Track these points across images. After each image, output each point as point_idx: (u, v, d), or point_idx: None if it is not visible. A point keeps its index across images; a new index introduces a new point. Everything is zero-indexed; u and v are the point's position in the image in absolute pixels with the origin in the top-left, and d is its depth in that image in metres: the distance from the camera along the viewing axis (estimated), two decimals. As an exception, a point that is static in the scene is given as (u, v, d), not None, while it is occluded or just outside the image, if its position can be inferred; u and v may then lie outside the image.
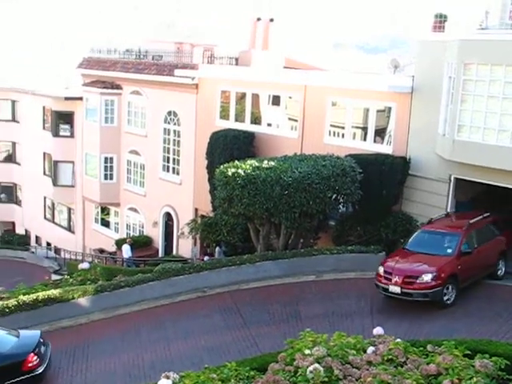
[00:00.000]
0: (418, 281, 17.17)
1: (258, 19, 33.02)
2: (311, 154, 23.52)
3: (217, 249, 27.88)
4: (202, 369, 12.17)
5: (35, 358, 15.37)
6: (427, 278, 17.08)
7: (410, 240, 19.24)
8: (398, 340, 11.56)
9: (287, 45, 36.67)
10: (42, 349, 16.13)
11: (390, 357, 10.82)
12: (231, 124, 29.48)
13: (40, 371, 15.32)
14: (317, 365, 10.31)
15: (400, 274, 17.42)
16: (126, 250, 32.12)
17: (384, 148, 24.00)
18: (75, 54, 44.10)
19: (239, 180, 20.94)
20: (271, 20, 33.39)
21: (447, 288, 17.28)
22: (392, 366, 10.47)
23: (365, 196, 22.38)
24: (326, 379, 10.14)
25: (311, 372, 10.18)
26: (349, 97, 24.95)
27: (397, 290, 17.39)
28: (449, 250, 18.04)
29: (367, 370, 10.33)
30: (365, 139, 24.86)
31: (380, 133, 24.58)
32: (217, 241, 27.94)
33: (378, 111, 24.52)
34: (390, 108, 23.93)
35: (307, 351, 11.03)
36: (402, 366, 10.45)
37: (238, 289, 20.78)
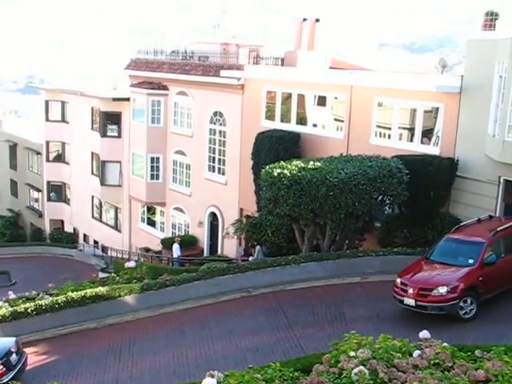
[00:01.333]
0: (432, 293, 16.45)
1: (304, 19, 32.91)
2: (357, 154, 23.34)
3: (257, 248, 28.00)
4: (246, 368, 12.20)
5: (0, 366, 15.52)
6: (442, 290, 16.31)
7: (433, 249, 18.55)
8: (445, 344, 11.39)
9: (333, 45, 36.48)
10: (13, 358, 16.24)
11: (436, 361, 10.67)
12: (277, 124, 29.47)
13: (4, 380, 15.47)
14: (362, 367, 10.24)
15: (415, 285, 16.77)
16: (176, 249, 32.40)
17: (431, 149, 23.65)
18: (123, 56, 44.73)
19: (285, 180, 20.92)
20: (317, 20, 33.26)
21: (465, 301, 16.36)
22: (439, 371, 10.32)
23: (411, 197, 22.09)
24: (371, 382, 10.07)
25: (356, 374, 10.13)
26: (395, 97, 24.67)
27: (411, 302, 16.79)
28: (470, 261, 16.99)
29: (413, 373, 10.22)
30: (411, 140, 24.55)
31: (427, 133, 24.24)
32: (257, 240, 28.11)
33: (425, 112, 24.19)
34: (437, 108, 23.57)
35: (352, 353, 10.97)
36: (448, 371, 10.30)
37: (282, 289, 20.77)
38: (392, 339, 11.76)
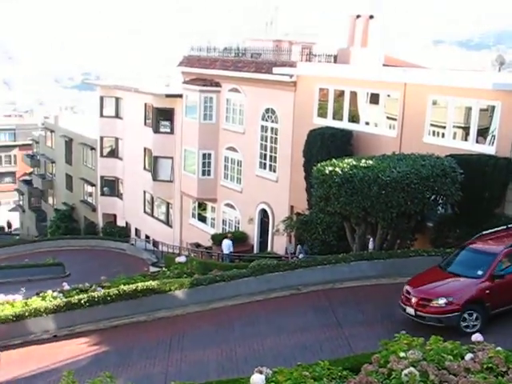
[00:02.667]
0: (431, 304, 16.03)
1: (358, 16, 32.60)
2: (410, 153, 23.02)
3: (298, 247, 27.97)
4: (295, 366, 12.19)
5: None
6: (441, 301, 15.83)
7: (449, 257, 18.04)
8: (499, 348, 11.13)
9: (387, 42, 36.02)
10: None
11: (489, 365, 10.42)
12: (329, 122, 29.31)
13: None
14: (412, 368, 10.09)
15: (417, 295, 16.42)
16: (227, 245, 32.58)
17: (486, 148, 23.13)
18: (176, 53, 45.20)
19: (336, 178, 20.81)
20: (371, 17, 32.88)
21: (470, 314, 15.67)
22: (492, 375, 10.10)
23: (465, 197, 21.66)
24: (421, 384, 9.92)
25: (406, 375, 9.98)
26: (450, 95, 24.22)
27: (412, 311, 16.47)
28: (479, 272, 16.26)
29: (465, 377, 10.01)
30: (466, 139, 24.06)
31: (482, 132, 23.72)
32: (299, 240, 28.16)
33: (480, 110, 23.67)
34: (493, 107, 23.03)
35: (402, 354, 10.82)
36: (502, 376, 10.06)
37: (332, 288, 20.66)
38: (443, 341, 11.57)
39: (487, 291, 15.94)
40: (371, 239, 26.58)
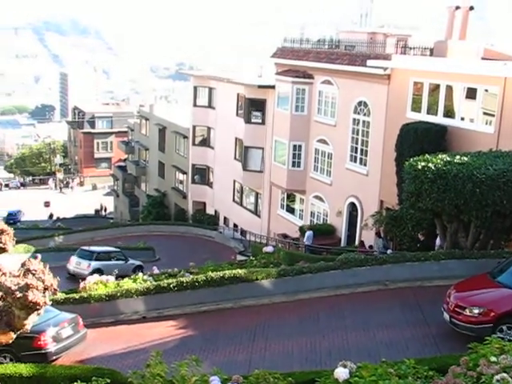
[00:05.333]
0: (465, 312, 15.37)
1: (457, 8, 31.62)
2: (508, 150, 22.19)
3: (379, 240, 27.64)
4: (380, 362, 12.07)
5: (45, 338, 16.75)
6: (476, 311, 15.13)
7: (502, 265, 17.07)
8: None
9: (488, 34, 34.76)
10: (63, 332, 17.52)
11: None
12: (422, 116, 28.67)
13: (48, 350, 16.75)
14: (505, 374, 9.76)
15: (453, 300, 15.85)
16: (308, 236, 32.61)
17: None
18: (269, 44, 45.44)
19: (429, 174, 20.36)
20: (471, 8, 31.82)
21: (510, 328, 14.75)
22: None
23: None
24: (514, 391, 9.59)
25: (498, 381, 9.66)
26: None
27: (447, 317, 15.89)
28: None
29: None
30: None
31: None
32: (377, 233, 27.77)
33: None
34: None
35: (493, 358, 10.50)
36: None
37: (420, 285, 20.30)
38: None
39: None
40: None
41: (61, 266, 31.16)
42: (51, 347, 17.16)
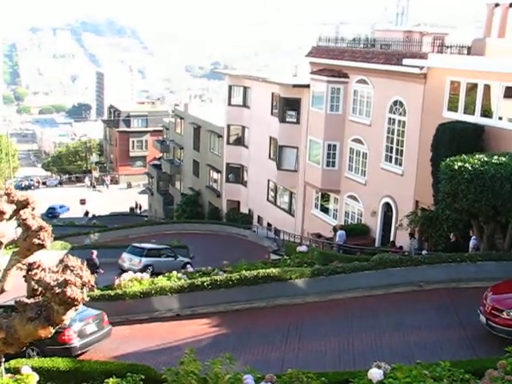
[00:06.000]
0: (502, 315, 15.08)
1: (496, 5, 31.09)
2: (548, 151, 21.82)
3: (410, 241, 27.42)
4: (414, 364, 11.99)
5: (70, 333, 17.22)
6: None
7: None
8: None
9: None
10: (88, 327, 17.95)
11: None
12: (459, 116, 28.29)
13: (72, 345, 17.26)
14: (543, 378, 9.62)
15: (490, 303, 15.56)
16: (340, 236, 32.51)
17: None
18: (304, 43, 45.33)
19: (466, 174, 20.12)
20: (510, 5, 31.25)
21: None
22: None
23: None
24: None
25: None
26: None
27: (484, 320, 15.58)
28: None
29: None
30: None
31: None
32: (410, 234, 27.58)
33: None
34: None
35: (531, 362, 10.35)
36: None
37: (456, 287, 20.09)
38: None
39: None
40: (473, 237, 25.59)
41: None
42: (75, 342, 17.47)
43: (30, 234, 7.81)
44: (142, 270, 29.21)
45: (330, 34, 41.44)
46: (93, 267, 29.22)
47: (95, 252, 30.03)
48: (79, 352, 17.53)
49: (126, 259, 32.91)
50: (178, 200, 64.67)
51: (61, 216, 74.43)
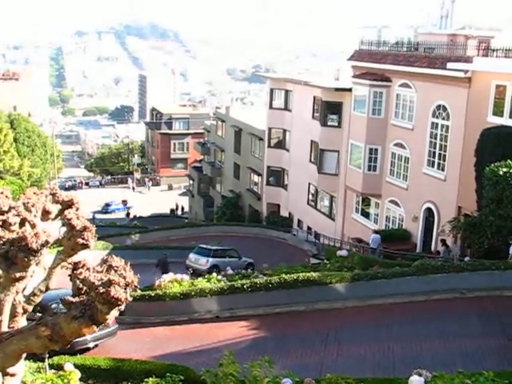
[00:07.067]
0: None
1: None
2: None
3: (442, 248, 27.03)
4: (455, 372, 11.82)
5: None
6: None
7: None
8: None
9: None
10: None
11: None
12: (505, 121, 27.76)
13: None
14: None
15: None
16: (376, 240, 32.27)
17: None
18: (346, 47, 45.13)
19: (511, 180, 19.75)
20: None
21: None
22: None
23: None
24: None
25: None
26: None
27: None
28: None
29: None
30: None
31: None
32: (443, 240, 27.22)
33: None
34: None
35: None
36: None
37: (500, 295, 19.72)
38: None
39: None
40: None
41: (137, 264, 31.90)
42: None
43: (74, 234, 7.94)
44: (209, 270, 29.93)
45: (372, 38, 41.13)
46: (165, 266, 30.10)
47: (166, 253, 32.31)
48: (80, 348, 17.42)
49: (194, 259, 33.52)
50: (218, 202, 64.94)
51: (115, 213, 77.53)
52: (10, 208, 7.96)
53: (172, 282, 24.29)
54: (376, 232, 33.36)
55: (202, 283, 24.12)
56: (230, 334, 19.90)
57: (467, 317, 18.73)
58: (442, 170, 31.97)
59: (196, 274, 29.36)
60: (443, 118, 31.87)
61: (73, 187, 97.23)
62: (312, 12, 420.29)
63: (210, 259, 32.90)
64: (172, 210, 79.97)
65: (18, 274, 7.47)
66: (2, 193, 8.21)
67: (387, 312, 19.99)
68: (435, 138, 32.50)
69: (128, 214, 74.99)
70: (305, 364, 16.87)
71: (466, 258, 25.95)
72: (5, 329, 7.79)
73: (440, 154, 32.19)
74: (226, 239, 43.68)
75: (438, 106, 32.22)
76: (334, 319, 20.08)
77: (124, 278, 6.96)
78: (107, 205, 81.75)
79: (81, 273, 7.19)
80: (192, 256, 33.73)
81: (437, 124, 32.36)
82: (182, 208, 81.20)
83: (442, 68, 31.42)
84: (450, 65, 30.66)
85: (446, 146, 31.72)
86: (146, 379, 13.67)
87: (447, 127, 31.58)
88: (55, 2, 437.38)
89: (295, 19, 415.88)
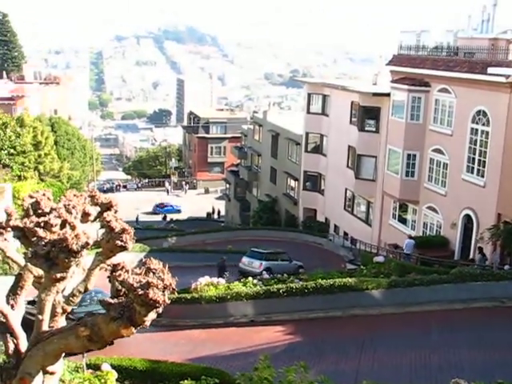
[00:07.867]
0: None
1: None
2: None
3: (478, 256, 26.63)
4: (494, 383, 11.62)
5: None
6: None
7: None
8: None
9: None
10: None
11: None
12: (547, 127, 27.30)
13: None
14: None
15: None
16: (408, 245, 32.00)
17: None
18: (385, 51, 44.81)
19: (552, 187, 19.38)
20: None
21: None
22: None
23: None
24: None
25: None
26: None
27: None
28: None
29: None
30: None
31: None
32: (480, 248, 27.08)
33: None
34: None
35: None
36: None
37: (541, 304, 19.35)
38: None
39: None
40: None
41: (173, 266, 32.14)
42: None
43: (113, 236, 8.01)
44: (263, 273, 30.52)
45: (411, 42, 40.73)
46: (223, 269, 30.71)
47: (225, 257, 33.05)
48: None
49: (247, 263, 33.99)
50: (254, 206, 65.06)
51: (166, 214, 78.03)
52: (52, 209, 8.09)
53: (208, 286, 24.40)
54: (410, 237, 33.05)
55: (237, 287, 24.18)
56: (265, 339, 19.90)
57: (507, 326, 18.41)
58: (482, 176, 31.49)
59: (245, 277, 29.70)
60: (483, 124, 31.41)
61: (111, 189, 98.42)
62: (356, 14, 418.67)
63: (264, 262, 33.41)
64: (208, 214, 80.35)
65: (58, 275, 7.58)
66: (44, 194, 8.34)
67: (424, 319, 19.77)
68: (475, 144, 32.04)
69: (165, 217, 75.60)
70: (340, 370, 16.76)
71: (506, 267, 25.53)
72: (45, 328, 7.92)
73: (479, 160, 31.72)
74: (261, 243, 43.68)
75: (478, 112, 31.76)
76: (370, 326, 19.93)
77: (162, 280, 7.01)
78: (158, 206, 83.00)
79: (120, 274, 7.26)
80: (245, 259, 34.31)
81: (476, 130, 31.90)
82: (219, 212, 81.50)
83: (482, 73, 30.96)
84: (490, 70, 30.21)
85: (485, 152, 31.25)
86: (181, 381, 13.74)
87: (487, 133, 31.11)
88: (96, 8, 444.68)
89: (330, 25, 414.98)
